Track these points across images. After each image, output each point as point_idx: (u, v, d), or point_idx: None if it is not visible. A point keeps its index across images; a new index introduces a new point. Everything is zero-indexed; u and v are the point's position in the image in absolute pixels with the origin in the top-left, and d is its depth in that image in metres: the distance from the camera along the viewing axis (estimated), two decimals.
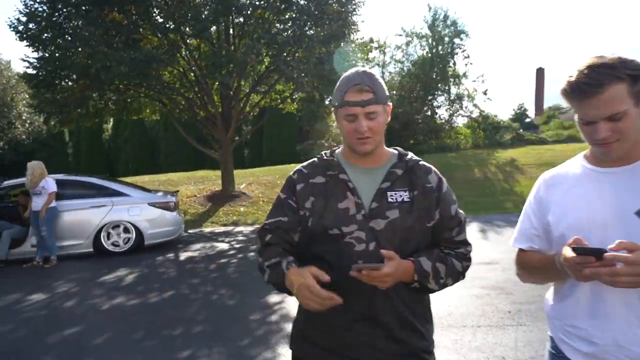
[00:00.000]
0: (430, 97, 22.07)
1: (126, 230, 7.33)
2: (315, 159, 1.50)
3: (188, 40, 11.13)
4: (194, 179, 15.79)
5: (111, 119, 29.09)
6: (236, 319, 4.25)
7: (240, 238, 8.70)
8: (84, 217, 7.11)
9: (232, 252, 7.40)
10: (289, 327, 4.05)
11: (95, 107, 12.07)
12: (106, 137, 33.22)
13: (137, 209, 7.40)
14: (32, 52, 10.48)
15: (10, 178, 7.81)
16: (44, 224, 6.58)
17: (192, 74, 11.78)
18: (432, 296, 1.44)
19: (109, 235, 7.27)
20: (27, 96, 31.20)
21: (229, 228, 10.04)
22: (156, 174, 20.95)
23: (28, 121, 31.31)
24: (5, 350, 3.67)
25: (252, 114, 14.31)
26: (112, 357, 3.49)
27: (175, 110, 13.38)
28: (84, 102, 11.29)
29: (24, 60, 10.32)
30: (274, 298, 4.84)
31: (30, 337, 3.92)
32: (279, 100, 13.71)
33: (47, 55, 10.52)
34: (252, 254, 7.20)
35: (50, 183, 6.68)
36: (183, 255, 7.17)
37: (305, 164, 1.50)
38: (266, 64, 11.59)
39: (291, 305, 4.57)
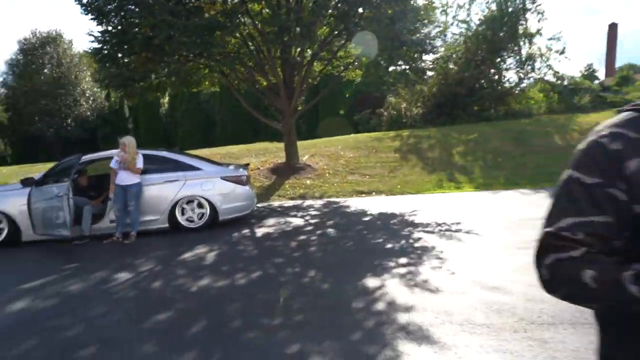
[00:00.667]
0: (498, 59, 20.43)
1: (200, 205, 7.10)
2: (632, 112, 0.90)
3: (250, 5, 10.59)
4: (254, 151, 15.57)
5: (167, 94, 29.52)
6: (337, 307, 3.81)
7: (313, 213, 8.30)
8: (159, 192, 6.93)
9: (309, 228, 7.00)
10: (400, 318, 3.58)
11: (157, 79, 11.94)
12: (163, 111, 33.86)
13: (210, 183, 7.13)
14: (97, 25, 10.38)
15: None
16: (133, 199, 6.51)
17: (253, 42, 11.30)
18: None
19: (183, 211, 7.08)
20: (89, 73, 32.41)
21: (298, 202, 9.69)
22: (212, 147, 21.07)
23: (91, 98, 32.50)
24: (100, 336, 3.44)
25: (314, 82, 13.69)
26: (217, 350, 3.16)
27: (235, 81, 13.03)
28: (146, 75, 11.17)
29: (90, 35, 10.23)
30: (370, 282, 4.37)
31: (124, 322, 3.69)
32: (342, 67, 12.99)
33: (110, 28, 10.38)
34: (331, 230, 6.78)
35: (140, 158, 6.61)
36: (259, 232, 6.86)
37: (618, 121, 0.90)
38: (330, 26, 10.87)
39: (394, 290, 4.09)
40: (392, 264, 4.95)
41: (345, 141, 15.76)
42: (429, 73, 14.05)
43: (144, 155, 6.97)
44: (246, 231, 6.92)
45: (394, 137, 16.01)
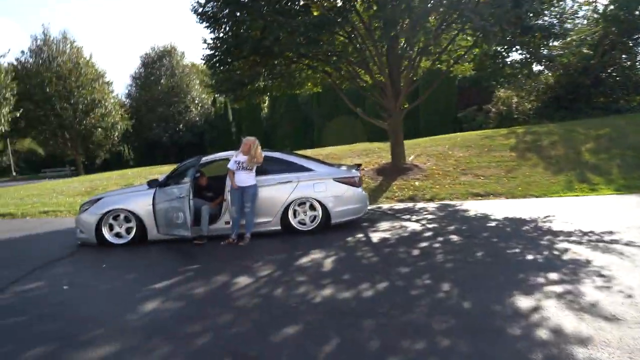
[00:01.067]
0: (631, 43, 17.86)
1: (312, 207, 6.89)
2: None
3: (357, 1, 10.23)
4: (356, 151, 15.26)
5: (267, 97, 30.51)
6: (488, 332, 3.23)
7: (428, 216, 7.68)
8: (272, 193, 6.84)
9: (428, 234, 6.42)
10: (577, 353, 2.87)
11: (263, 82, 12.09)
12: (263, 115, 35.16)
13: (322, 184, 6.88)
14: (209, 33, 10.78)
15: (189, 157, 7.99)
16: (249, 200, 6.51)
17: (359, 39, 10.92)
18: None
19: (295, 213, 6.91)
20: (197, 82, 34.84)
21: (409, 204, 9.11)
22: (312, 148, 21.18)
23: (199, 104, 34.89)
24: (231, 349, 3.26)
25: (419, 80, 12.96)
26: None
27: (337, 81, 12.78)
28: (254, 79, 11.35)
29: (204, 42, 10.65)
30: (521, 301, 3.71)
31: (252, 334, 3.47)
32: (451, 62, 12.10)
33: (222, 34, 10.71)
34: (454, 237, 6.13)
35: None
36: (374, 237, 6.44)
37: None
38: (442, 15, 10.09)
39: (556, 314, 3.40)
40: (540, 279, 4.22)
41: (452, 140, 14.78)
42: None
43: None
44: (360, 235, 6.54)
45: (507, 134, 14.67)
